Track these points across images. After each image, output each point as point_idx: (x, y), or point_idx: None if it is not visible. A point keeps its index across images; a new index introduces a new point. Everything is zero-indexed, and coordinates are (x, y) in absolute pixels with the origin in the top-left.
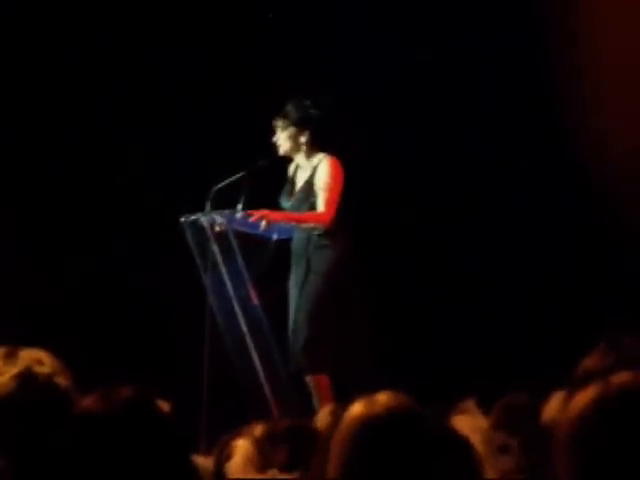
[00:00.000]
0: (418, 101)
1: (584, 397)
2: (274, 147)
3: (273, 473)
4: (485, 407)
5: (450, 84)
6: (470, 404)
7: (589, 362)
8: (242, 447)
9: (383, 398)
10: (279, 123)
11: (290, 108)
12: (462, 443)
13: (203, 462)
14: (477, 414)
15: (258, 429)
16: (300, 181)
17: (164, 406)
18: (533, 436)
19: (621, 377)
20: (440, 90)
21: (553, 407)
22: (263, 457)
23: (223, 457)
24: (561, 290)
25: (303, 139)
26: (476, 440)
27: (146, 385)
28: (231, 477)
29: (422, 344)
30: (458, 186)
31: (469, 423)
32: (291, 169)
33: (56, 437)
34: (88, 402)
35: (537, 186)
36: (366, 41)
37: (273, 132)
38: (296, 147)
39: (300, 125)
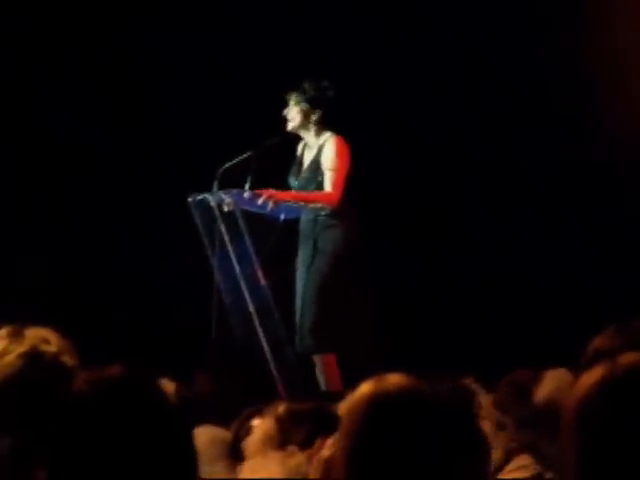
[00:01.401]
0: (429, 83)
1: (591, 377)
2: (283, 122)
3: (292, 449)
4: (486, 385)
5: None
6: (470, 381)
7: (598, 343)
8: (263, 424)
9: (393, 377)
10: (293, 96)
11: (307, 85)
12: (472, 424)
13: (221, 434)
14: (478, 391)
15: (281, 407)
16: (307, 160)
17: (168, 386)
18: (527, 415)
19: (628, 358)
20: (451, 72)
21: (546, 386)
22: (283, 435)
23: (242, 432)
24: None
25: (314, 117)
26: (481, 416)
27: (141, 364)
28: (249, 452)
29: (427, 325)
30: (465, 170)
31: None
32: (299, 148)
33: (49, 418)
34: (77, 382)
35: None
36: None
37: (285, 105)
38: (305, 124)
39: (314, 103)
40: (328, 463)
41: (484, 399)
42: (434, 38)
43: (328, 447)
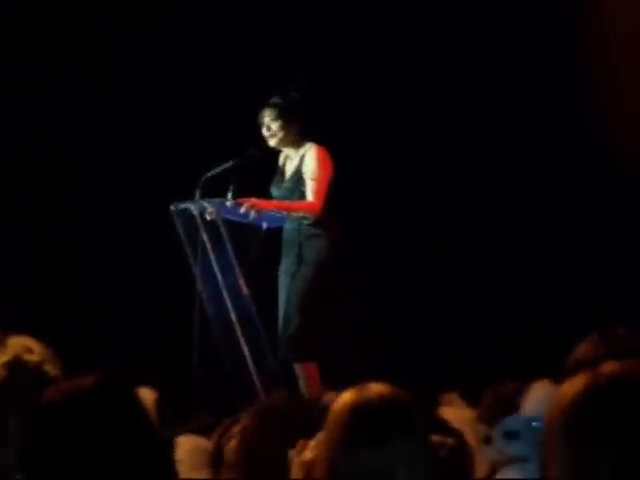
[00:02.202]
0: (408, 86)
1: (573, 387)
2: (263, 139)
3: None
4: (468, 400)
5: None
6: (454, 396)
7: (580, 351)
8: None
9: (375, 386)
10: (267, 114)
11: (277, 100)
12: (454, 433)
13: (202, 443)
14: (462, 406)
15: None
16: (289, 170)
17: (149, 395)
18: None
19: (609, 367)
20: (433, 76)
21: (533, 397)
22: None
23: (224, 440)
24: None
25: (294, 129)
26: (465, 431)
27: (119, 373)
28: (229, 459)
29: (413, 334)
30: (450, 171)
31: (456, 414)
32: (281, 159)
33: (27, 427)
34: (52, 392)
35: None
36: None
37: (260, 124)
38: (286, 138)
39: (289, 116)
40: (310, 466)
41: (467, 413)
42: (425, 35)
43: (310, 450)
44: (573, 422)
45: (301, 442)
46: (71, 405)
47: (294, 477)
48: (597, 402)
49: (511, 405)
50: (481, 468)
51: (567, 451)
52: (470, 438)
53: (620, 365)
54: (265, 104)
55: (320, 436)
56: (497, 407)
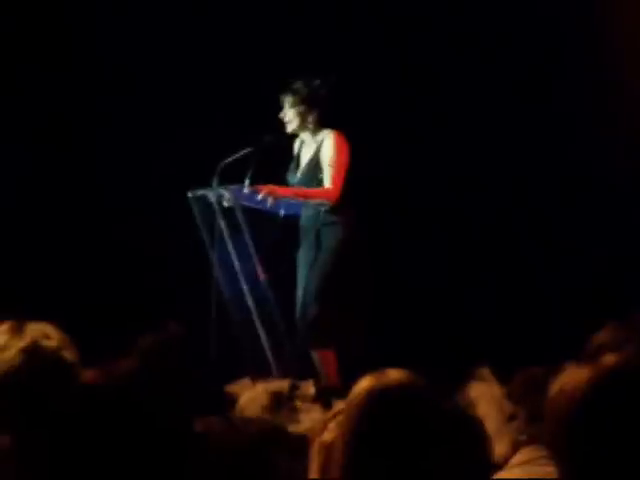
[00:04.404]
0: (425, 77)
1: (576, 377)
2: (281, 123)
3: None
4: (500, 376)
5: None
6: (485, 371)
7: (601, 338)
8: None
9: (393, 373)
10: (288, 99)
11: (300, 85)
12: (472, 422)
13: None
14: (492, 381)
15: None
16: (305, 157)
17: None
18: (539, 408)
19: (610, 359)
20: (451, 66)
21: (562, 381)
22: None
23: None
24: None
25: (311, 117)
26: (491, 408)
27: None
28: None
29: (431, 321)
30: (463, 162)
31: (484, 390)
32: (296, 145)
33: (59, 410)
34: (90, 375)
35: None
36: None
37: (280, 107)
38: (303, 125)
39: (309, 103)
40: (328, 448)
41: (496, 390)
42: (437, 32)
43: (329, 431)
44: (579, 415)
45: (321, 423)
46: (114, 390)
47: (314, 458)
48: (603, 395)
49: (541, 386)
50: (501, 447)
51: (569, 439)
52: (495, 415)
53: (621, 357)
54: (287, 88)
55: (340, 418)
56: (526, 388)
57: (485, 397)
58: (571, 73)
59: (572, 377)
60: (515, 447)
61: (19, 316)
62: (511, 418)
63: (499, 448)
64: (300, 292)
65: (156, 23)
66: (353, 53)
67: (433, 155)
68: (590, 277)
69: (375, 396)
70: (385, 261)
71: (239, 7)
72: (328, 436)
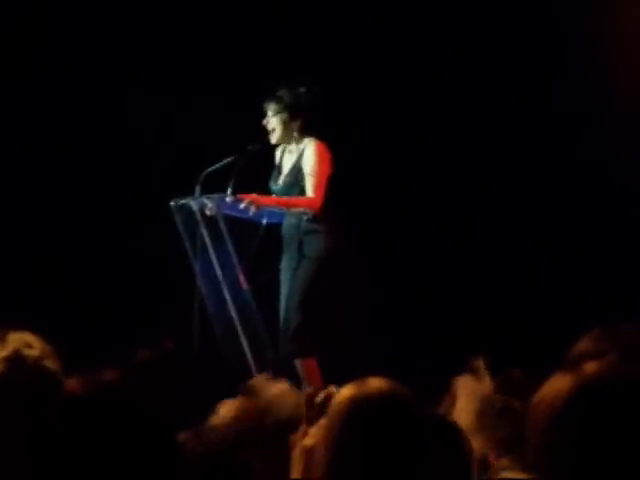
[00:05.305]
0: (407, 81)
1: (558, 384)
2: (264, 131)
3: None
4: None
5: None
6: (479, 363)
7: (582, 345)
8: None
9: (374, 381)
10: (271, 106)
11: (284, 93)
12: (452, 429)
13: None
14: (484, 374)
15: None
16: (287, 165)
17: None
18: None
19: (591, 368)
20: (433, 69)
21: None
22: None
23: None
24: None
25: (295, 125)
26: (469, 402)
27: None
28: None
29: (431, 321)
30: (463, 162)
31: (467, 384)
32: (278, 153)
33: (41, 421)
34: (73, 384)
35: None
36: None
37: (263, 115)
38: (287, 133)
39: (293, 111)
40: (309, 452)
41: (485, 384)
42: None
43: (311, 436)
44: (561, 423)
45: (303, 428)
46: (98, 399)
47: (295, 462)
48: (586, 403)
49: (518, 390)
50: (476, 442)
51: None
52: (471, 410)
53: (602, 365)
54: (271, 96)
55: (321, 422)
56: (506, 390)
57: (465, 391)
58: (571, 73)
59: (553, 386)
60: (493, 443)
61: (1, 325)
62: (502, 412)
63: (474, 444)
64: (283, 301)
65: (144, 31)
66: (339, 60)
67: (433, 155)
68: (590, 277)
69: (356, 404)
70: (385, 261)
71: (222, 19)
72: (309, 441)
